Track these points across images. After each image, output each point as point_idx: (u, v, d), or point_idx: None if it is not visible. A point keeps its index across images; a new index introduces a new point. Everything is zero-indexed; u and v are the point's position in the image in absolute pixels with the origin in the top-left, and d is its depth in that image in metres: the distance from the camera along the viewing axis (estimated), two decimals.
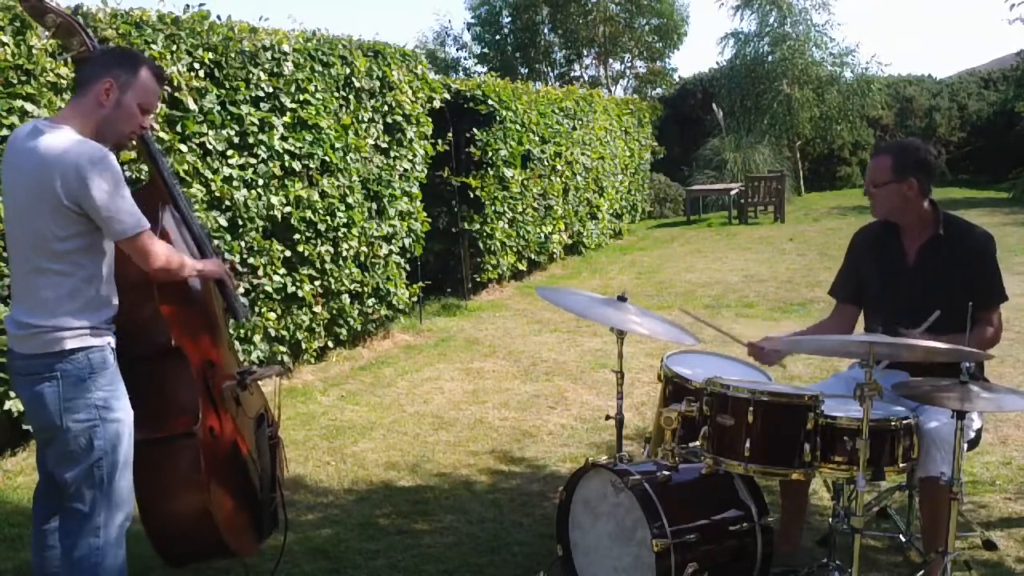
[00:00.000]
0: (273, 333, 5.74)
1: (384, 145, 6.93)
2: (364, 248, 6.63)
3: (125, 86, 2.52)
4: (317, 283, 6.15)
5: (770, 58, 19.77)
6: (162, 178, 2.85)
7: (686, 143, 19.89)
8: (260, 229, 5.59)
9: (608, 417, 3.32)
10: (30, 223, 2.42)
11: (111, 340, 2.54)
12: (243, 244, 5.44)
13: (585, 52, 24.36)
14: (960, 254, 3.13)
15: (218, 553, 2.91)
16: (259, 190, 5.56)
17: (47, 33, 2.66)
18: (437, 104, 7.80)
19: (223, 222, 5.28)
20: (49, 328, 2.42)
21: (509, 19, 24.22)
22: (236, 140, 5.39)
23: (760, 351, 3.34)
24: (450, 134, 8.01)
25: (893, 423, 2.78)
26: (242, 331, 5.42)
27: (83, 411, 2.45)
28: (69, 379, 2.44)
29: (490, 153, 8.83)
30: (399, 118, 7.07)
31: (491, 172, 8.86)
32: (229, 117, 5.34)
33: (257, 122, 5.52)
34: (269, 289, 5.67)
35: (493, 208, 8.97)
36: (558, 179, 10.72)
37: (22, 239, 2.45)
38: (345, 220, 6.34)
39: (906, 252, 3.22)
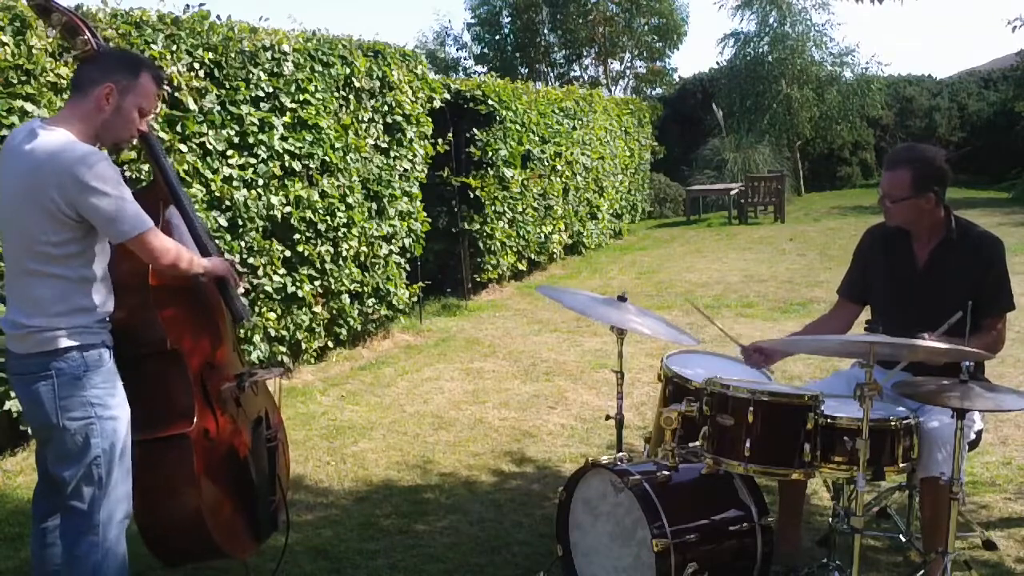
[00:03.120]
0: (273, 333, 5.74)
1: (384, 145, 6.93)
2: (364, 248, 6.63)
3: (125, 91, 2.51)
4: (317, 283, 6.15)
5: (770, 58, 19.80)
6: (164, 178, 2.84)
7: (686, 143, 19.92)
8: (260, 229, 5.59)
9: (608, 417, 3.32)
10: (22, 226, 2.41)
11: (107, 338, 2.54)
12: (243, 244, 5.44)
13: (585, 52, 24.37)
14: (969, 259, 3.11)
15: (210, 554, 2.91)
16: (259, 190, 5.56)
17: (53, 31, 2.64)
18: (437, 104, 7.80)
19: (223, 222, 5.28)
20: (43, 328, 2.42)
21: (509, 19, 24.25)
22: (236, 140, 5.39)
23: (748, 356, 3.32)
24: (450, 134, 8.01)
25: (893, 423, 2.78)
26: (242, 331, 5.42)
27: (79, 409, 2.46)
28: (64, 377, 2.44)
29: (490, 153, 8.83)
30: (399, 118, 7.07)
31: (491, 172, 8.86)
32: (229, 117, 5.34)
33: (257, 122, 5.52)
34: (269, 289, 5.67)
35: (493, 208, 8.97)
36: (558, 179, 10.72)
37: (16, 241, 2.45)
38: (345, 220, 6.35)
39: (916, 255, 3.20)
